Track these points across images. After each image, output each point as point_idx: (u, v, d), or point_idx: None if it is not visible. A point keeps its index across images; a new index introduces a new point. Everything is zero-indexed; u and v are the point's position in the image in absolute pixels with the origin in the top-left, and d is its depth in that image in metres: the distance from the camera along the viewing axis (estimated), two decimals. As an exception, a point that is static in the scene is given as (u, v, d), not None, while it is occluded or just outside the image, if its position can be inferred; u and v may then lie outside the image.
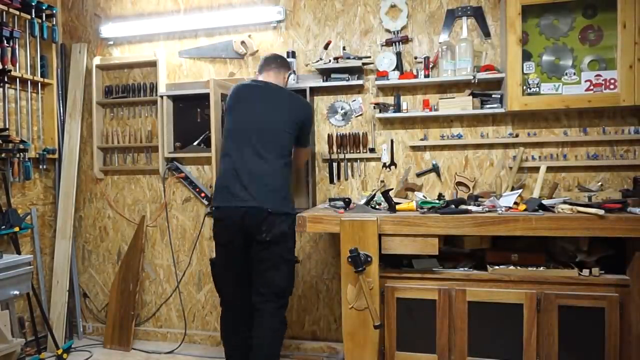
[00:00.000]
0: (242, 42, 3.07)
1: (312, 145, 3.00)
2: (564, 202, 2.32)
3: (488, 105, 2.66)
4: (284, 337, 2.38)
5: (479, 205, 2.41)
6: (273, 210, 2.24)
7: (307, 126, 2.51)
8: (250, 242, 2.29)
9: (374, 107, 2.87)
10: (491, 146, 2.78)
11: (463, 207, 2.35)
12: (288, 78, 2.60)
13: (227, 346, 2.43)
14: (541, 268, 2.23)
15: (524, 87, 2.56)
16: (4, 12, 2.91)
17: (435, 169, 2.84)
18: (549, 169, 2.63)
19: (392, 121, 2.90)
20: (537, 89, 2.57)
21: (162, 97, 3.15)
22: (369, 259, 2.20)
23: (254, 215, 2.23)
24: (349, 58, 2.81)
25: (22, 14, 3.02)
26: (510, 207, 2.33)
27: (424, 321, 2.30)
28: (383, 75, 2.78)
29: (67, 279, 3.24)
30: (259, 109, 2.35)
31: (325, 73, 2.90)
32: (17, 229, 2.88)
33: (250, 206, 2.23)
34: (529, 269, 2.24)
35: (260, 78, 2.51)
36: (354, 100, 2.96)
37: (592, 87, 2.51)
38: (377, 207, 2.51)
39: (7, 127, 2.93)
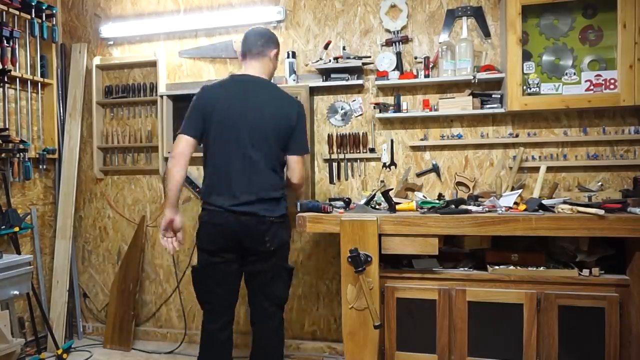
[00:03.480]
0: (242, 42, 3.07)
1: (312, 145, 3.00)
2: (564, 202, 2.32)
3: (488, 105, 2.66)
4: None
5: (479, 205, 2.41)
6: (275, 217, 2.10)
7: (299, 129, 2.19)
8: (245, 252, 2.13)
9: (374, 107, 2.87)
10: (491, 146, 2.78)
11: (463, 207, 2.35)
12: (277, 57, 2.27)
13: None
14: (541, 268, 2.23)
15: (524, 87, 2.56)
16: (4, 12, 2.91)
17: (435, 169, 2.84)
18: (549, 169, 2.63)
19: (392, 121, 2.90)
20: (537, 89, 2.57)
21: (162, 97, 3.15)
22: (369, 259, 2.20)
23: (255, 223, 2.06)
24: (349, 58, 2.82)
25: (22, 14, 3.02)
26: (510, 207, 2.33)
27: (424, 321, 2.30)
28: (383, 75, 2.78)
29: (67, 279, 3.24)
30: (246, 110, 2.09)
31: (325, 73, 2.90)
32: (17, 229, 2.88)
33: (252, 212, 2.04)
34: (529, 269, 2.24)
35: (243, 70, 2.22)
36: (354, 100, 2.96)
37: (592, 87, 2.51)
38: (377, 207, 2.51)
39: (7, 127, 2.93)
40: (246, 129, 2.08)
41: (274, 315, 2.22)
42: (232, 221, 2.06)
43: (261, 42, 2.20)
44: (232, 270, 2.17)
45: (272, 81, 2.29)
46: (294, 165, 2.20)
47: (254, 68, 2.20)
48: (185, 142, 2.10)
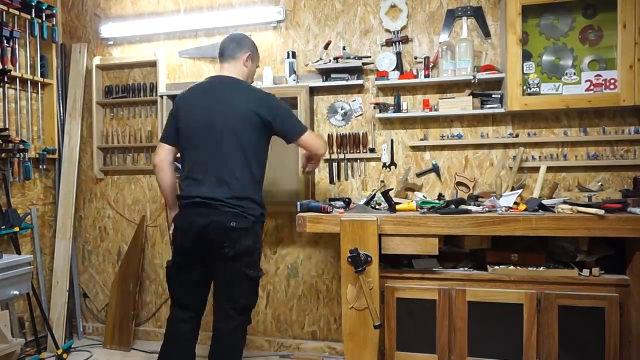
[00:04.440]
0: (242, 42, 3.07)
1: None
2: (564, 202, 2.32)
3: (488, 105, 2.66)
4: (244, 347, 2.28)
5: (479, 205, 2.41)
6: (237, 225, 2.05)
7: (279, 114, 2.16)
8: (211, 254, 2.11)
9: (374, 107, 2.87)
10: (491, 146, 2.78)
11: (463, 207, 2.36)
12: (250, 59, 2.27)
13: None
14: (541, 268, 2.24)
15: (524, 87, 2.56)
16: (4, 12, 2.91)
17: (435, 169, 2.84)
18: (549, 169, 2.63)
19: (392, 121, 2.90)
20: (537, 89, 2.57)
21: (162, 97, 3.15)
22: (369, 259, 2.20)
23: (216, 230, 2.04)
24: (349, 58, 2.81)
25: (22, 14, 3.02)
26: (510, 207, 2.33)
27: (424, 321, 2.30)
28: (383, 75, 2.78)
29: (67, 279, 3.24)
30: (212, 110, 2.12)
31: (325, 73, 2.90)
32: (17, 229, 2.88)
33: (213, 220, 2.04)
34: (529, 269, 2.24)
35: (216, 72, 2.29)
36: (354, 100, 2.96)
37: (592, 87, 2.51)
38: (377, 207, 2.51)
39: (7, 127, 2.92)
40: (214, 129, 2.10)
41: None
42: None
43: (232, 45, 2.27)
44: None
45: (252, 83, 2.31)
46: (304, 145, 2.24)
47: (225, 70, 2.26)
48: (162, 149, 2.25)
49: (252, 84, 2.33)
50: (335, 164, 2.98)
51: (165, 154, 2.24)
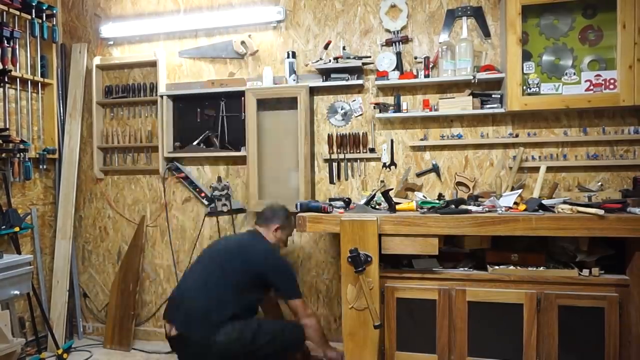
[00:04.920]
0: (242, 42, 3.07)
1: (312, 145, 3.00)
2: (564, 202, 2.32)
3: (488, 105, 2.66)
4: None
5: (479, 205, 2.41)
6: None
7: (277, 275, 2.45)
8: None
9: (374, 107, 2.87)
10: (491, 146, 2.78)
11: (463, 207, 2.36)
12: (279, 230, 2.61)
13: None
14: (541, 268, 2.24)
15: (524, 87, 2.56)
16: (4, 12, 2.91)
17: (435, 169, 2.84)
18: (549, 169, 2.63)
19: (392, 121, 2.90)
20: (537, 89, 2.57)
21: (162, 97, 3.15)
22: (369, 259, 2.20)
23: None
24: (349, 58, 2.82)
25: (23, 14, 3.02)
26: (510, 207, 2.33)
27: (424, 321, 2.30)
28: (383, 75, 2.78)
29: (67, 279, 3.24)
30: (218, 258, 2.48)
31: (325, 73, 2.90)
32: (17, 229, 2.88)
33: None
34: (529, 269, 2.24)
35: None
36: (354, 100, 2.96)
37: (592, 87, 2.51)
38: (377, 207, 2.51)
39: (7, 127, 2.93)
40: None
41: None
42: None
43: (269, 213, 2.65)
44: None
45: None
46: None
47: (260, 229, 2.63)
48: None
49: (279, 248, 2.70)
50: (335, 164, 2.98)
51: None
